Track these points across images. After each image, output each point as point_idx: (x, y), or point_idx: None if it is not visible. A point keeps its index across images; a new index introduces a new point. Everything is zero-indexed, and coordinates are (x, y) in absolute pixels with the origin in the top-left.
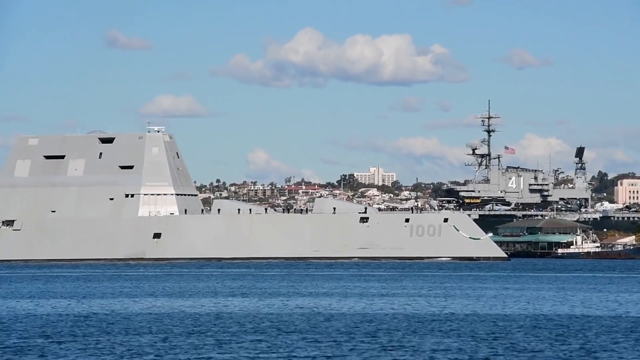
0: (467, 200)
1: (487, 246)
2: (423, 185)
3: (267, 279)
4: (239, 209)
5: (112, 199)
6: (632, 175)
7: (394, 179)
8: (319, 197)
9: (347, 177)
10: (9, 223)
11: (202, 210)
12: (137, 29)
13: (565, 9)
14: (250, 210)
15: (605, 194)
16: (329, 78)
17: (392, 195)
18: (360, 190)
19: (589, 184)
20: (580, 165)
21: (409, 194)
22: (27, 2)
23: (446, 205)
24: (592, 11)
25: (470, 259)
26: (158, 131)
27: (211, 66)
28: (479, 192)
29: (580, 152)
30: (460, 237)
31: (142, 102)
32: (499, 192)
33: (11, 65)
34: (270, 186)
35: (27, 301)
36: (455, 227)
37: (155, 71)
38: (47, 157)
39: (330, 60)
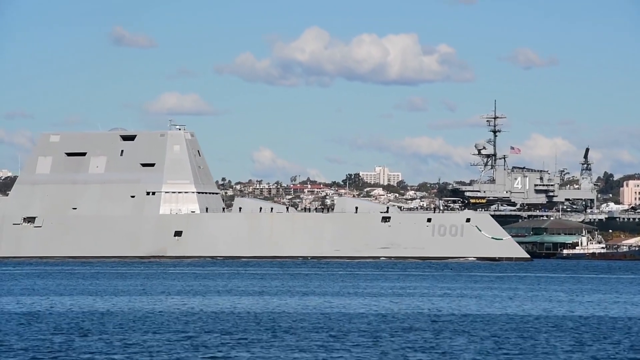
0: (472, 201)
1: (509, 246)
2: (428, 185)
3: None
4: (260, 208)
5: (133, 197)
6: (638, 176)
7: (400, 179)
8: (324, 196)
9: (352, 177)
10: (31, 220)
11: (224, 208)
12: (143, 26)
13: (570, 8)
14: (271, 208)
15: (610, 195)
16: (335, 77)
17: (397, 195)
18: (365, 190)
19: (594, 184)
20: (586, 166)
21: (415, 193)
22: (30, 1)
23: (451, 205)
24: (598, 11)
25: (493, 259)
26: (179, 129)
27: (216, 64)
28: (484, 192)
29: (586, 152)
30: (483, 237)
31: (147, 99)
32: (505, 192)
33: (16, 61)
34: (275, 185)
35: (44, 298)
36: (478, 227)
37: (160, 69)
38: (69, 154)
39: (337, 60)
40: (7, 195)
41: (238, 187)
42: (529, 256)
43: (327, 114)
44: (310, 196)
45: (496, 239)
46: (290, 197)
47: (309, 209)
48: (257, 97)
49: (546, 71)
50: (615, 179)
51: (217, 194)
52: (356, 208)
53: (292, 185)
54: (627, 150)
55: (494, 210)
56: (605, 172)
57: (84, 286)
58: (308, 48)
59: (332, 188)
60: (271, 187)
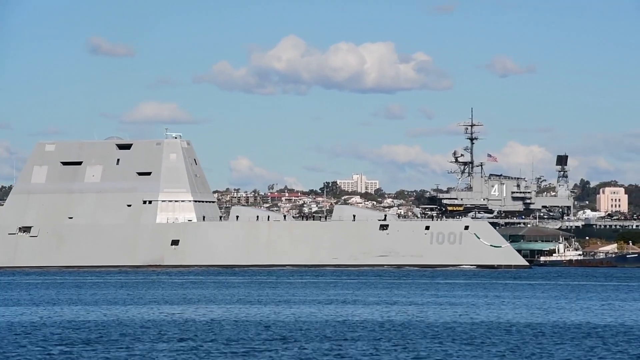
0: (449, 208)
1: (508, 254)
2: (406, 193)
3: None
4: (257, 216)
5: (129, 206)
6: (614, 184)
7: (377, 186)
8: (302, 204)
9: (330, 185)
10: (26, 229)
11: (221, 217)
12: (120, 35)
13: (548, 16)
14: (268, 217)
15: (587, 202)
16: (312, 85)
17: (374, 202)
18: (343, 198)
19: (571, 192)
20: (562, 173)
21: (392, 201)
22: (8, 9)
23: (429, 212)
24: (575, 19)
25: (492, 267)
26: (176, 137)
27: (194, 73)
28: (461, 199)
29: (562, 160)
30: (481, 244)
31: (126, 109)
32: (482, 199)
33: None
34: (253, 193)
35: (41, 308)
36: (476, 235)
37: (138, 78)
38: (64, 164)
39: (313, 68)
40: (2, 204)
41: (216, 195)
42: (528, 264)
43: (305, 122)
44: (287, 204)
45: (495, 246)
46: (267, 205)
47: (307, 217)
48: (235, 105)
49: (523, 79)
50: (591, 186)
51: (213, 202)
52: (354, 216)
53: (269, 194)
54: (604, 157)
55: (471, 218)
56: (582, 179)
57: (82, 296)
58: (285, 56)
59: (310, 196)
60: (249, 195)
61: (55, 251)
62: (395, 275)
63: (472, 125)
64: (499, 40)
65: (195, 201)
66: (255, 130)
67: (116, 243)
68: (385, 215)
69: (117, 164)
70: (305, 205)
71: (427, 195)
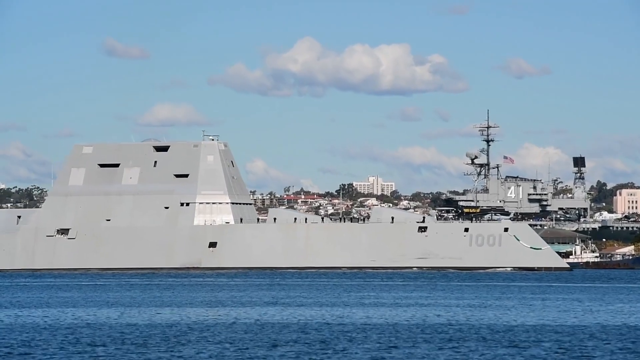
0: (466, 210)
1: (548, 256)
2: (422, 195)
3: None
4: (295, 218)
5: (167, 208)
6: (631, 185)
7: (393, 189)
8: (318, 206)
9: (346, 187)
10: (64, 232)
11: (258, 219)
12: (135, 38)
13: (562, 17)
14: (306, 219)
15: (604, 204)
16: (327, 87)
17: (391, 204)
18: (359, 200)
19: (588, 193)
20: (579, 175)
21: (408, 203)
22: (24, 11)
23: (445, 215)
24: (590, 20)
25: (531, 269)
26: (213, 139)
27: (209, 75)
28: (478, 201)
29: (578, 161)
30: (521, 247)
31: (141, 110)
32: (498, 201)
33: (6, 74)
34: (269, 196)
35: (80, 310)
36: (516, 237)
37: (153, 80)
38: (102, 166)
39: (329, 70)
40: (40, 207)
41: None
42: (568, 266)
43: (320, 124)
44: (304, 206)
45: (535, 248)
46: (283, 207)
47: (344, 219)
48: (250, 107)
49: (539, 80)
50: (608, 188)
51: (251, 204)
52: (392, 218)
53: (285, 196)
54: (620, 159)
55: (488, 220)
56: (599, 181)
57: (121, 298)
58: (300, 58)
59: (326, 198)
60: (265, 197)
61: (93, 253)
62: (461, 277)
63: (488, 127)
64: (514, 41)
65: (233, 203)
66: (270, 133)
67: (154, 245)
68: (424, 217)
69: (155, 166)
70: (321, 207)
71: (443, 197)
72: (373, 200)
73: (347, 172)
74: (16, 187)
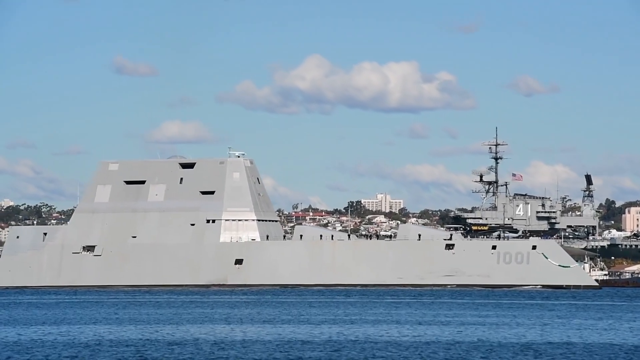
0: (474, 228)
1: (577, 274)
2: (430, 212)
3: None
4: (320, 235)
5: (193, 225)
6: (639, 203)
7: (401, 206)
8: (326, 224)
9: (354, 204)
10: (90, 249)
11: (284, 236)
12: (144, 55)
13: (571, 36)
14: (332, 236)
15: (612, 222)
16: (335, 105)
17: (399, 222)
18: (367, 217)
19: (596, 211)
20: (587, 192)
21: (417, 220)
22: (32, 29)
23: (454, 232)
24: (599, 38)
25: (560, 287)
26: (239, 156)
27: (217, 92)
28: (486, 219)
29: (587, 179)
30: (549, 264)
31: (149, 128)
32: (507, 219)
33: (16, 91)
34: (277, 212)
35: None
36: (544, 255)
37: (162, 97)
38: (128, 183)
39: (337, 87)
40: (66, 224)
41: None
42: (597, 284)
43: (328, 142)
44: (312, 224)
45: (563, 266)
46: (292, 224)
47: (370, 236)
48: (258, 125)
49: (547, 98)
50: (617, 205)
51: (277, 221)
52: (419, 235)
53: (293, 213)
54: (629, 177)
55: (496, 238)
56: (607, 198)
57: (146, 315)
58: (309, 76)
59: (334, 215)
60: None
61: (119, 270)
62: (496, 295)
63: (496, 145)
64: (522, 59)
65: (259, 220)
66: (278, 150)
67: (180, 262)
68: (451, 235)
69: (181, 183)
70: (329, 224)
71: (452, 214)
72: (381, 218)
73: (356, 190)
74: (25, 204)
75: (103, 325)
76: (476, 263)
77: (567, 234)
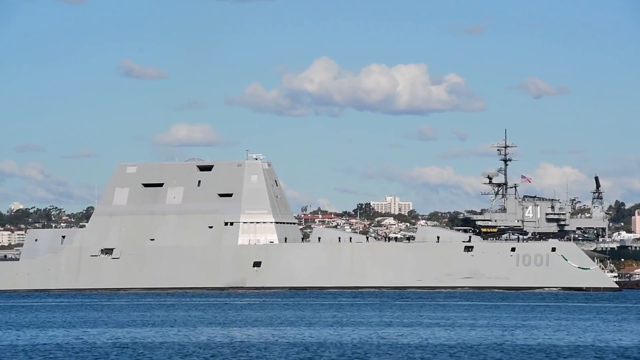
0: (484, 230)
1: (596, 276)
2: (439, 214)
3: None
4: (339, 237)
5: (211, 227)
6: None
7: (410, 208)
8: (335, 226)
9: (363, 206)
10: (108, 251)
11: (302, 238)
12: (152, 58)
13: (580, 37)
14: (350, 238)
15: (622, 224)
16: (344, 107)
17: (408, 224)
18: (377, 219)
19: (606, 213)
20: (597, 194)
21: (426, 222)
22: (41, 32)
23: (463, 234)
24: (607, 40)
25: (580, 289)
26: (257, 159)
27: (226, 95)
28: (495, 221)
29: (597, 181)
30: (569, 266)
31: (158, 131)
32: (516, 221)
33: (25, 94)
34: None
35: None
36: (564, 257)
37: (170, 100)
38: (146, 185)
39: (346, 90)
40: (84, 226)
41: None
42: (617, 286)
43: (337, 144)
44: (321, 226)
45: (583, 268)
46: (301, 227)
47: (389, 239)
48: (267, 127)
49: (556, 100)
50: (626, 207)
51: (295, 224)
52: (438, 237)
53: (302, 216)
54: (638, 179)
55: (505, 240)
56: (617, 200)
57: (166, 318)
58: (317, 78)
59: (343, 218)
60: None
61: (137, 273)
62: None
63: (505, 147)
64: (530, 61)
65: (277, 222)
66: (287, 152)
67: (198, 265)
68: (470, 237)
69: (199, 185)
70: (338, 227)
71: (461, 216)
72: (390, 220)
73: (365, 192)
74: (34, 207)
75: (169, 328)
76: (495, 265)
77: (576, 235)
